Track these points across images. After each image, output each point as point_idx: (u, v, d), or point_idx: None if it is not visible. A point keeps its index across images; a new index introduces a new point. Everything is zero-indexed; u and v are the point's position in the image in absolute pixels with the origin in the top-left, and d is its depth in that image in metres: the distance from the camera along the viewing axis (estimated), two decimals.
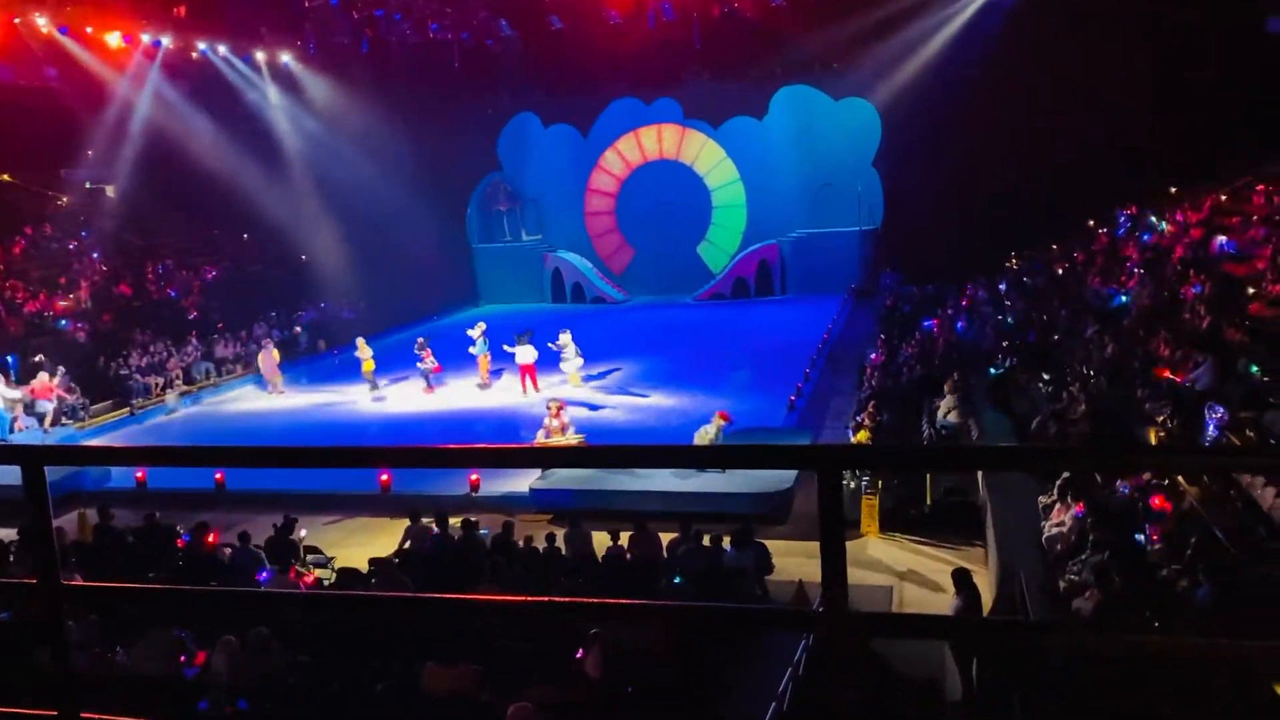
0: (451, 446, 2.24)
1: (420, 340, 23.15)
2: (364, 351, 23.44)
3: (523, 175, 37.20)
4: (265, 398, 24.43)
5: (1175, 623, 8.18)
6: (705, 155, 35.54)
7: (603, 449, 2.43)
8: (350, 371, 24.39)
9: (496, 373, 23.17)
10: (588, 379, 22.71)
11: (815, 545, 2.03)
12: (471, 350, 22.77)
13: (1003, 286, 25.36)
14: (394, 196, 32.05)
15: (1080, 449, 7.42)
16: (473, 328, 23.08)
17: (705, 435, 15.50)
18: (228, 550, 12.02)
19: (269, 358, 24.69)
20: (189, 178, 30.79)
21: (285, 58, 34.18)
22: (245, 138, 31.87)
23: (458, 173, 36.10)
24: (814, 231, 33.59)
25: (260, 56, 33.58)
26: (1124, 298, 19.01)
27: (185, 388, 24.68)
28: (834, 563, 1.90)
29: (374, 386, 23.31)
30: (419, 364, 22.58)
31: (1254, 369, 12.91)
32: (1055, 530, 10.41)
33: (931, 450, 8.12)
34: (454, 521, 12.65)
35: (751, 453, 1.90)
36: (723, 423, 15.58)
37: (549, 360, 21.91)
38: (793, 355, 23.55)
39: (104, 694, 7.00)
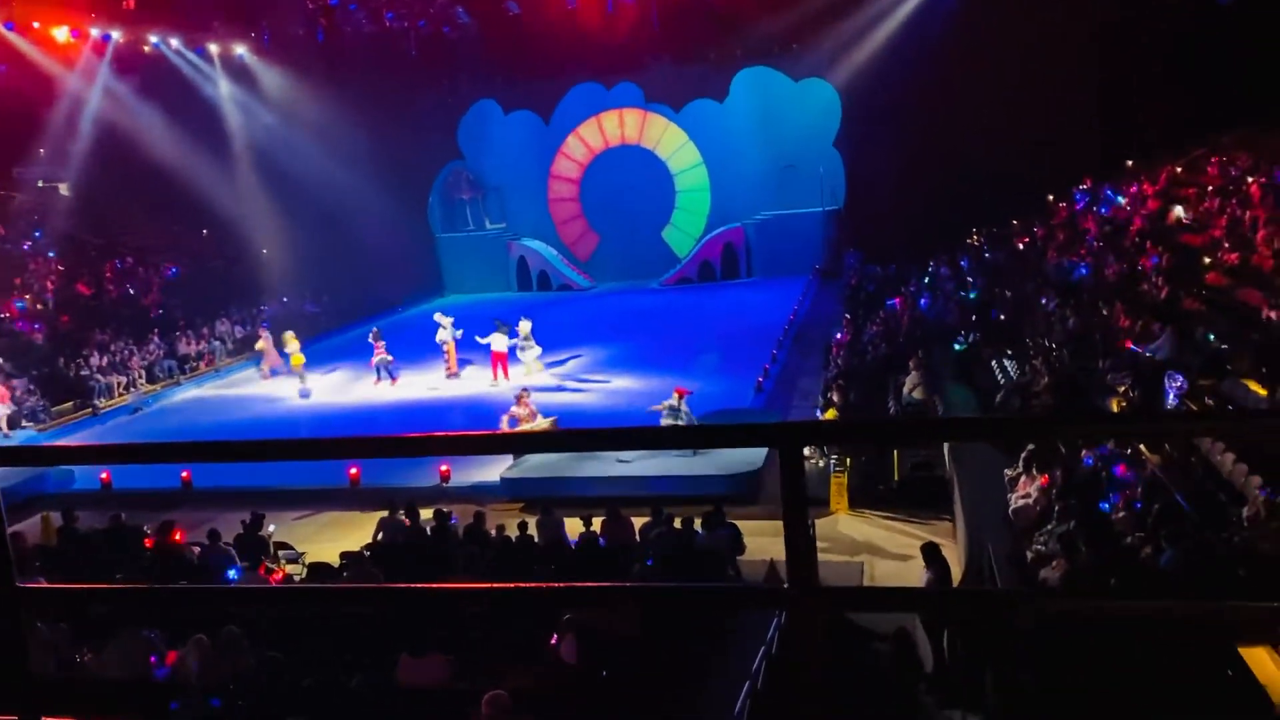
0: (428, 435, 2.21)
1: (375, 331, 23.00)
2: (292, 345, 23.27)
3: (484, 163, 36.94)
4: (254, 386, 24.30)
5: (1140, 588, 8.32)
6: (667, 139, 35.47)
7: (566, 433, 2.42)
8: (315, 365, 24.28)
9: (463, 362, 23.07)
10: (552, 365, 22.70)
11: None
12: (440, 336, 22.59)
13: (965, 263, 25.57)
14: (355, 188, 31.76)
15: (1029, 418, 7.51)
16: (446, 315, 22.98)
17: (667, 412, 15.63)
18: (196, 549, 11.91)
19: (270, 343, 24.52)
20: (145, 174, 30.31)
21: (239, 50, 33.69)
22: (201, 132, 31.41)
23: (419, 162, 35.81)
24: (778, 213, 33.66)
25: (213, 49, 33.06)
26: (1084, 269, 19.24)
27: (149, 386, 24.38)
28: (799, 539, 1.90)
29: (299, 377, 23.11)
30: (374, 356, 22.44)
31: (1211, 337, 13.13)
32: (1021, 502, 10.55)
33: (888, 423, 8.20)
34: (425, 514, 12.61)
35: (711, 432, 1.90)
36: (679, 396, 15.68)
37: (511, 350, 21.87)
38: (759, 337, 23.63)
39: (72, 697, 6.92)
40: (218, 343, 27.37)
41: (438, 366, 23.05)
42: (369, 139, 32.59)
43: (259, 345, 24.57)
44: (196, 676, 7.82)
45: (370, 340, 22.68)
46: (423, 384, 22.58)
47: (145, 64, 32.05)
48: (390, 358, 22.51)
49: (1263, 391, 11.61)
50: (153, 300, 29.19)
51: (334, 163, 31.71)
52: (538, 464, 15.37)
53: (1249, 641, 7.54)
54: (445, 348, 22.69)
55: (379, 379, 22.48)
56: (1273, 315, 13.18)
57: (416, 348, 24.01)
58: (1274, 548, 8.32)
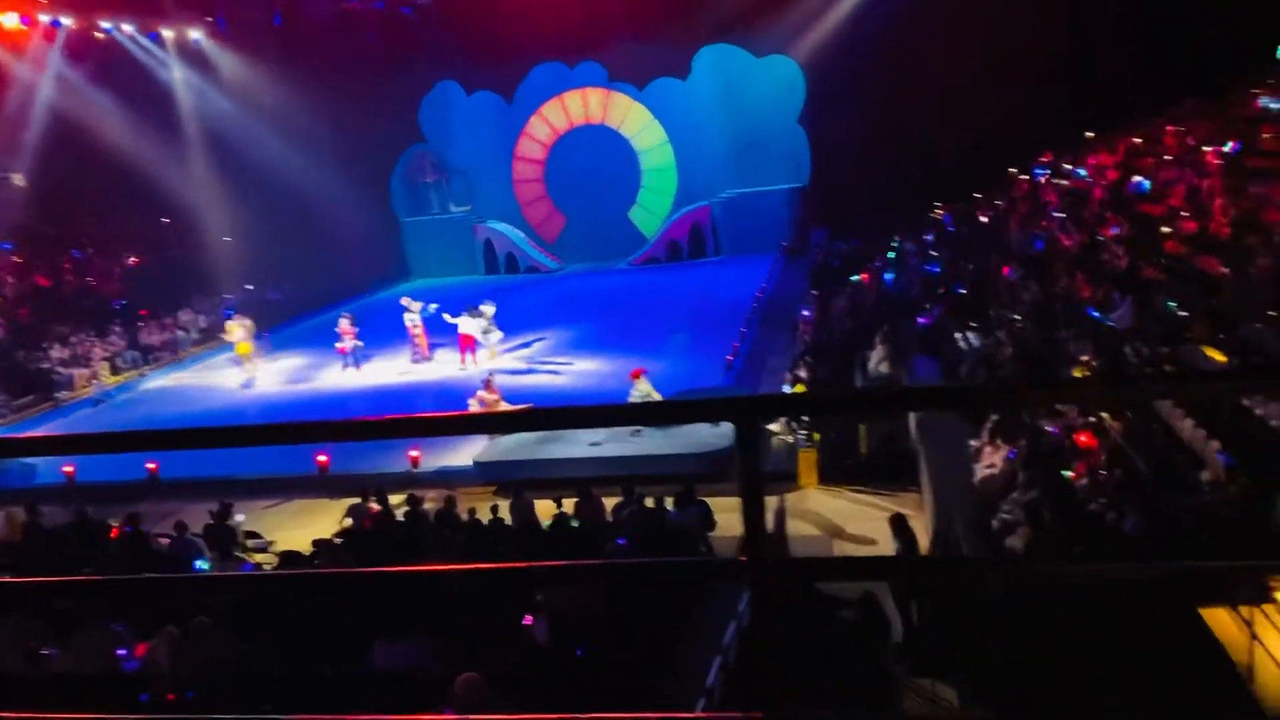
0: (394, 417, 2.18)
1: (348, 316, 22.76)
2: (233, 334, 22.94)
3: (448, 145, 36.62)
4: (220, 375, 24.09)
5: (1104, 554, 8.46)
6: (632, 118, 35.32)
7: (529, 412, 2.42)
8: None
9: (434, 346, 22.91)
10: (521, 347, 22.67)
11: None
12: (408, 320, 22.42)
13: (929, 237, 25.73)
14: (317, 173, 31.40)
15: (986, 387, 7.60)
16: (415, 300, 22.81)
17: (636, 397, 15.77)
18: (164, 541, 11.83)
19: (244, 330, 24.35)
20: (102, 163, 29.77)
21: (195, 35, 33.10)
22: (157, 119, 30.90)
23: (381, 145, 35.42)
24: (744, 191, 33.64)
25: (168, 34, 32.45)
26: (1042, 243, 19.42)
27: (111, 378, 24.09)
28: (755, 512, 1.92)
29: (243, 367, 22.78)
30: (345, 342, 22.24)
31: (1170, 305, 13.32)
32: (987, 472, 10.69)
33: (845, 395, 8.25)
34: (396, 499, 12.60)
35: (667, 409, 1.91)
36: (637, 378, 15.89)
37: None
38: (728, 315, 23.68)
39: (37, 691, 6.87)
40: (181, 332, 27.07)
41: (406, 351, 22.89)
42: (329, 123, 32.22)
43: (231, 332, 24.22)
44: (167, 668, 7.78)
45: (340, 329, 22.38)
46: (391, 369, 22.45)
47: (98, 51, 31.41)
48: (360, 344, 22.31)
49: (1221, 358, 11.82)
50: (113, 291, 28.80)
51: (294, 148, 31.30)
52: (510, 447, 15.35)
53: (1209, 603, 7.72)
54: (413, 331, 22.52)
55: (346, 365, 22.28)
56: (1225, 271, 13.42)
57: (384, 333, 23.85)
58: (1232, 511, 8.49)
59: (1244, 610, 7.39)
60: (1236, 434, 9.81)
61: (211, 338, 26.85)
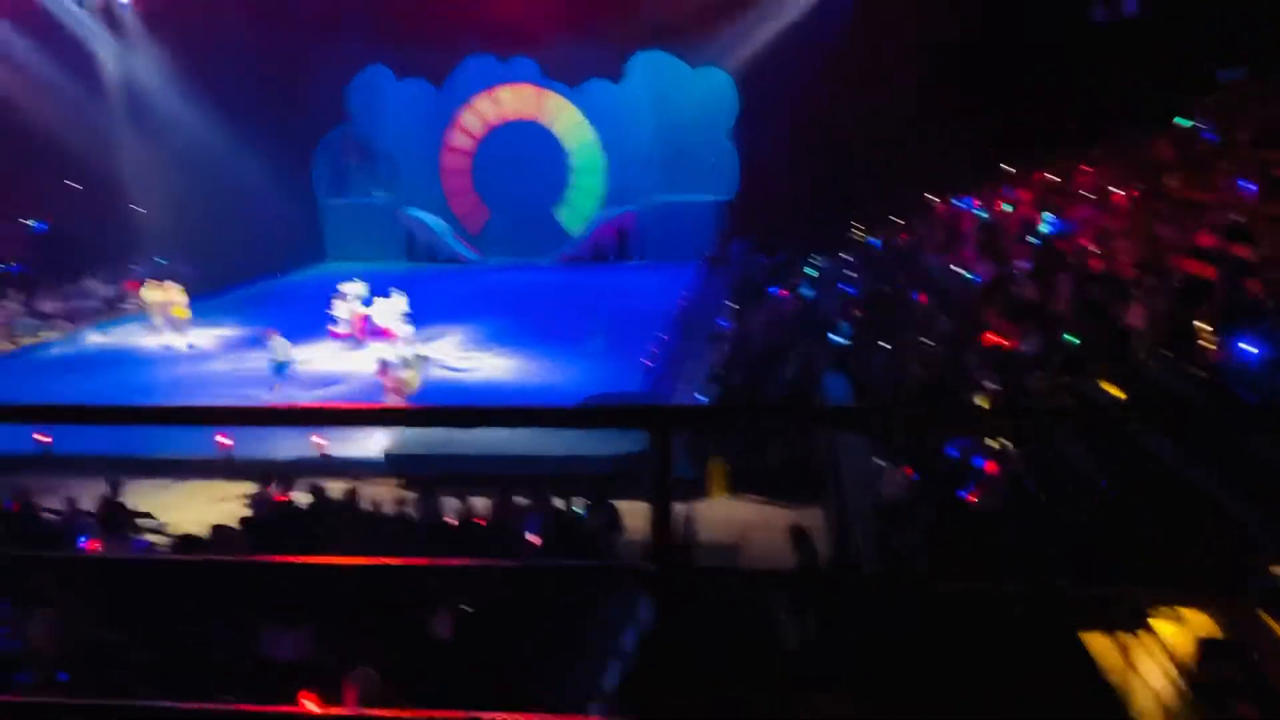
0: (300, 405, 2.16)
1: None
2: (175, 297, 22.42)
3: (374, 129, 36.08)
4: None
5: (995, 575, 8.74)
6: (564, 117, 35.24)
7: (430, 410, 2.41)
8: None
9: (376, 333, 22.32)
10: (436, 339, 22.38)
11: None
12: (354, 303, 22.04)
13: (849, 257, 26.24)
14: (237, 147, 30.59)
15: (900, 409, 7.82)
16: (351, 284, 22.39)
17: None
18: (52, 517, 11.42)
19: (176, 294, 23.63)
20: (8, 123, 28.54)
21: None
22: (74, 82, 29.74)
23: (305, 123, 34.71)
24: (671, 200, 33.89)
25: None
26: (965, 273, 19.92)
27: (4, 345, 23.18)
28: (663, 520, 1.96)
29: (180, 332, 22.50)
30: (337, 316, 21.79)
31: (1076, 341, 13.81)
32: (889, 489, 10.94)
33: (761, 408, 8.38)
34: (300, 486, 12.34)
35: (585, 414, 1.94)
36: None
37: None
38: (648, 321, 23.75)
39: None
40: (85, 301, 26.18)
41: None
42: (254, 96, 31.42)
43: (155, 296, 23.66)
44: (48, 648, 7.52)
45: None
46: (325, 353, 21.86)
47: (8, 6, 30.12)
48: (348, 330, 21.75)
49: (1119, 394, 12.29)
50: (12, 255, 27.69)
51: (215, 119, 30.49)
52: (421, 440, 15.10)
53: (1088, 627, 8.04)
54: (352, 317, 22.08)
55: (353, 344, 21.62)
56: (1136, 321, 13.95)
57: (305, 316, 23.16)
58: (1113, 539, 8.84)
59: (1120, 636, 7.69)
60: (1123, 464, 10.23)
61: (115, 307, 26.02)
